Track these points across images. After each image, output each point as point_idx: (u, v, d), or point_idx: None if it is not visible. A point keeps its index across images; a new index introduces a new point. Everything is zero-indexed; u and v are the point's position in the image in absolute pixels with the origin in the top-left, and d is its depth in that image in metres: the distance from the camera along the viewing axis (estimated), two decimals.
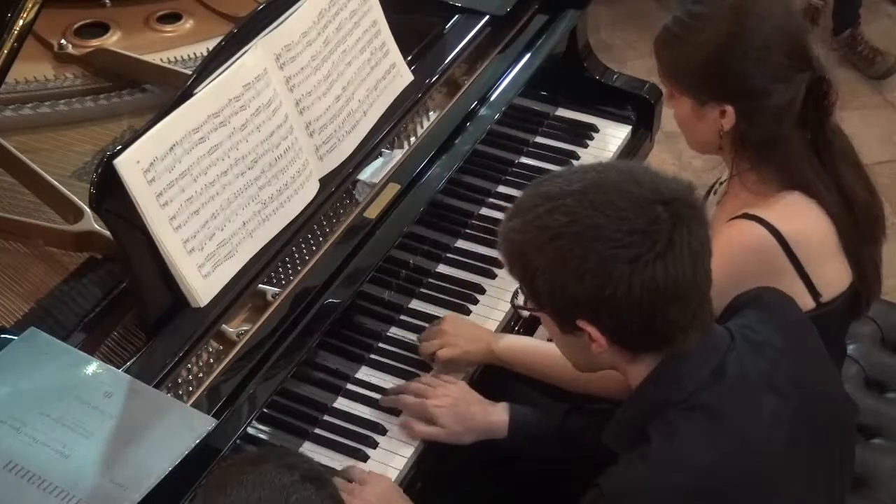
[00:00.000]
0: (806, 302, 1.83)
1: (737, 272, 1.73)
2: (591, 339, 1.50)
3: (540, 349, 1.98)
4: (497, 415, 1.91)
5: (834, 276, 1.87)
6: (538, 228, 1.49)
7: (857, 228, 1.87)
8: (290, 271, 1.92)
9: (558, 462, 1.90)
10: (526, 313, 1.64)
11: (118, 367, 1.72)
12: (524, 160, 2.48)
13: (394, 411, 1.95)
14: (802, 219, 1.84)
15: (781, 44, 1.81)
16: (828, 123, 1.86)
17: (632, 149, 2.58)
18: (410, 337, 2.08)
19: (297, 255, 1.95)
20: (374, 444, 1.90)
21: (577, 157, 2.50)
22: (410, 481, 1.88)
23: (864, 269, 1.89)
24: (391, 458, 1.90)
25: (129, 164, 1.71)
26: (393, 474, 1.86)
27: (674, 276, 1.44)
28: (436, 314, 2.11)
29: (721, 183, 2.01)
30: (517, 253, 1.53)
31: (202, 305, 1.81)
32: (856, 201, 1.87)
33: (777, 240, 1.80)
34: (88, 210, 1.92)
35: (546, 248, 1.48)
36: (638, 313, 1.45)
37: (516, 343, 2.03)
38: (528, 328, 2.22)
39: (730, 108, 1.82)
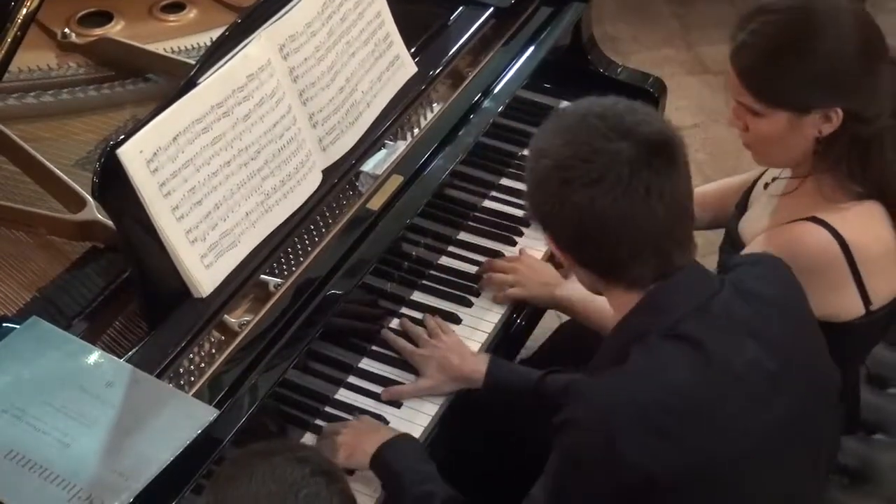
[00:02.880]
0: (856, 308, 1.83)
1: (794, 271, 1.72)
2: (553, 249, 1.61)
3: (595, 304, 2.01)
4: (476, 364, 1.96)
5: (887, 286, 1.86)
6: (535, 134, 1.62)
7: None
8: (293, 262, 1.92)
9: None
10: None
11: (120, 357, 1.72)
12: (527, 152, 2.47)
13: (395, 403, 1.96)
14: (870, 228, 1.82)
15: (868, 34, 1.79)
16: None
17: None
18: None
19: (299, 246, 1.95)
20: None
21: None
22: None
23: None
24: None
25: (131, 154, 1.71)
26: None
27: (602, 206, 1.47)
28: (438, 306, 2.11)
29: (780, 179, 1.97)
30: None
31: (204, 295, 1.81)
32: None
33: (840, 246, 1.79)
34: (91, 199, 1.92)
35: (528, 154, 1.61)
36: (576, 235, 1.53)
37: (575, 293, 2.07)
38: (530, 319, 2.22)
39: (838, 110, 1.77)
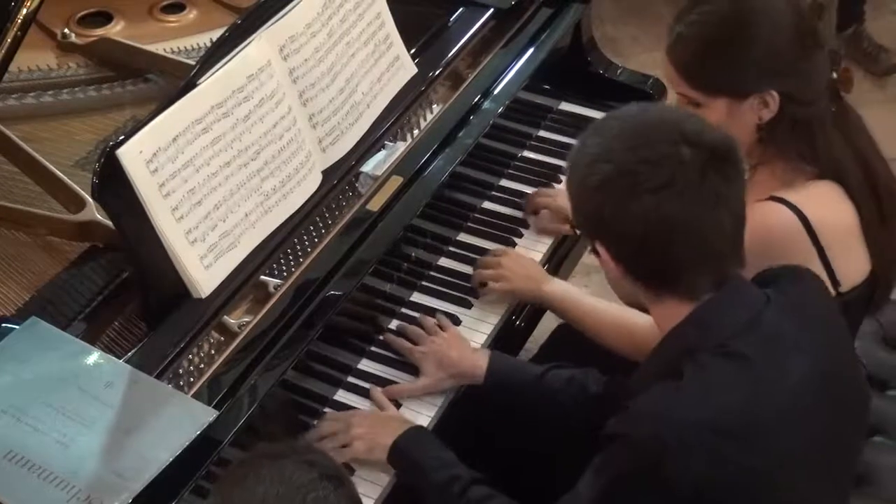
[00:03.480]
0: None
1: (760, 252, 1.72)
2: (603, 259, 1.56)
3: (583, 303, 2.05)
4: (476, 359, 1.95)
5: (853, 266, 1.88)
6: (578, 143, 1.57)
7: (879, 210, 1.88)
8: (292, 263, 1.92)
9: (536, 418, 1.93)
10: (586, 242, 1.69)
11: (119, 358, 1.72)
12: (527, 154, 2.48)
13: (394, 402, 1.95)
14: (828, 206, 1.85)
15: (800, 19, 1.82)
16: (844, 99, 1.88)
17: None
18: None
19: (299, 247, 1.95)
20: None
21: None
22: None
23: (883, 254, 1.90)
24: None
25: (131, 155, 1.71)
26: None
27: (670, 211, 1.45)
28: (438, 307, 2.11)
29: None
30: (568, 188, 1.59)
31: (204, 296, 1.80)
32: (879, 176, 1.88)
33: (803, 224, 1.81)
34: (90, 200, 1.92)
35: (573, 164, 1.55)
36: (635, 242, 1.49)
37: (563, 291, 2.09)
38: (530, 320, 2.22)
39: (774, 94, 1.81)
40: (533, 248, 2.27)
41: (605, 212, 1.50)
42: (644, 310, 1.75)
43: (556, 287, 2.11)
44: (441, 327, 2.04)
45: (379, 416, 1.90)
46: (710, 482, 1.45)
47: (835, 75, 1.87)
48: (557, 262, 2.30)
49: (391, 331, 2.05)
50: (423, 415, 1.94)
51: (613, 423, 1.53)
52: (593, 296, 2.13)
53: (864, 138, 1.92)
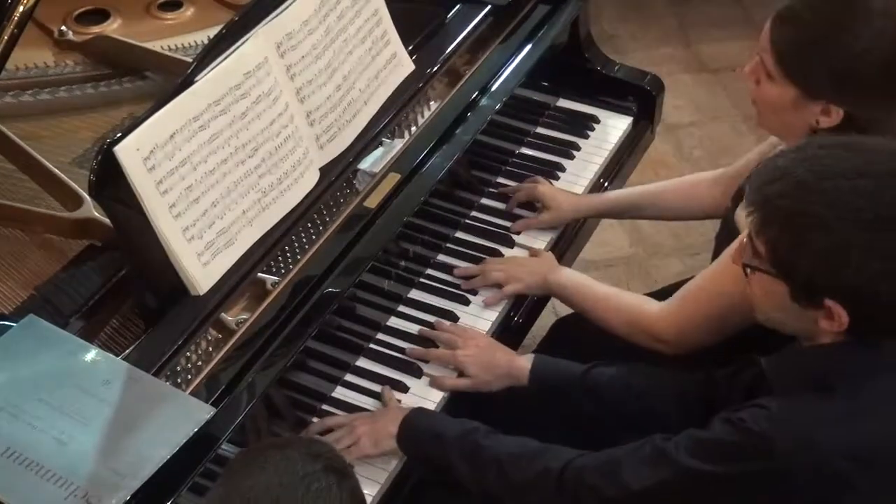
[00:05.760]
0: None
1: None
2: (831, 316, 1.47)
3: (590, 291, 2.06)
4: (521, 361, 1.96)
5: None
6: (822, 205, 1.43)
7: None
8: (290, 260, 1.92)
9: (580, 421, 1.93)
10: (751, 273, 1.59)
11: (117, 355, 1.72)
12: (525, 151, 2.48)
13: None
14: None
15: None
16: None
17: (633, 140, 2.58)
18: (409, 327, 2.08)
19: (296, 244, 1.95)
20: None
21: (578, 148, 2.50)
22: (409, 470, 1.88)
23: None
24: None
25: (129, 152, 1.70)
26: (392, 462, 1.86)
27: None
28: (435, 304, 2.11)
29: None
30: (784, 220, 1.47)
31: (201, 294, 1.80)
32: None
33: None
34: (88, 197, 1.92)
35: (829, 228, 1.42)
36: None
37: (569, 279, 2.10)
38: (527, 317, 2.22)
39: (840, 111, 1.77)
40: (531, 244, 2.27)
41: (876, 282, 1.43)
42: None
43: (562, 276, 2.12)
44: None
45: (378, 410, 1.91)
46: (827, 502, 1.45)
47: None
48: (556, 258, 2.30)
49: (416, 339, 2.05)
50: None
51: (752, 416, 1.49)
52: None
53: None
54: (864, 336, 1.50)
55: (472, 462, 1.75)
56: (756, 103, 1.90)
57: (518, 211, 2.33)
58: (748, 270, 1.59)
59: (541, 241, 2.28)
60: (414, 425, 1.83)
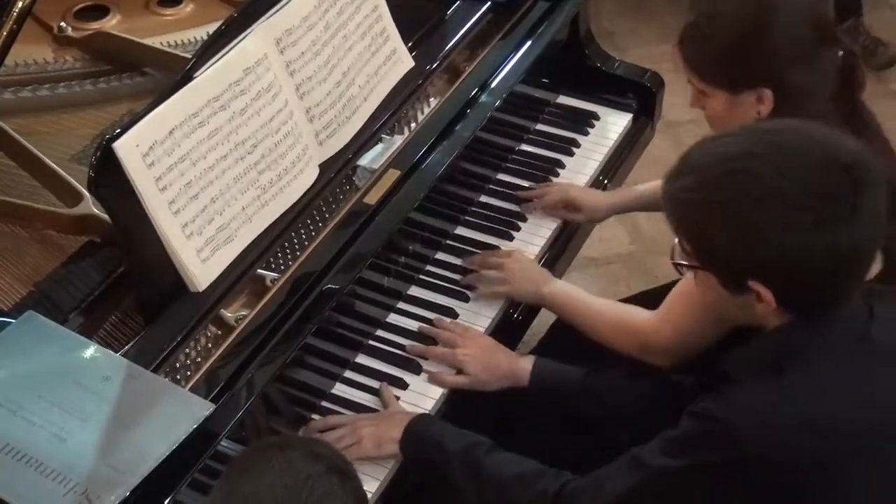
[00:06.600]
0: None
1: None
2: (760, 299, 1.50)
3: (582, 303, 2.06)
4: (522, 363, 1.96)
5: None
6: (717, 189, 1.48)
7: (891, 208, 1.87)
8: (289, 257, 1.92)
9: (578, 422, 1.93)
10: (685, 271, 1.63)
11: (116, 352, 1.71)
12: (524, 147, 2.48)
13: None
14: None
15: (808, 19, 1.83)
16: (859, 100, 1.89)
17: (633, 137, 2.57)
18: (409, 323, 2.08)
19: (296, 241, 1.94)
20: None
21: (578, 145, 2.49)
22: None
23: (893, 252, 1.89)
24: None
25: (128, 148, 1.70)
26: (392, 461, 1.86)
27: (855, 240, 1.44)
28: (435, 301, 2.11)
29: None
30: (690, 213, 1.53)
31: (200, 290, 1.80)
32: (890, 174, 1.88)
33: None
34: (87, 193, 1.92)
35: (726, 211, 1.47)
36: (815, 278, 1.46)
37: (563, 291, 2.09)
38: (527, 316, 2.22)
39: (767, 92, 1.83)
40: (531, 241, 2.27)
41: (780, 254, 1.46)
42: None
43: (556, 288, 2.10)
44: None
45: (382, 413, 1.91)
46: (799, 482, 1.46)
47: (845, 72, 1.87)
48: (555, 256, 2.30)
49: (415, 335, 2.04)
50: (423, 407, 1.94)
51: (712, 406, 1.51)
52: (591, 292, 2.12)
53: (878, 141, 1.91)
54: (800, 312, 1.52)
55: (473, 477, 1.76)
56: (713, 124, 1.94)
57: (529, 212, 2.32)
58: (681, 269, 1.63)
59: (540, 238, 2.28)
60: (417, 432, 1.83)
